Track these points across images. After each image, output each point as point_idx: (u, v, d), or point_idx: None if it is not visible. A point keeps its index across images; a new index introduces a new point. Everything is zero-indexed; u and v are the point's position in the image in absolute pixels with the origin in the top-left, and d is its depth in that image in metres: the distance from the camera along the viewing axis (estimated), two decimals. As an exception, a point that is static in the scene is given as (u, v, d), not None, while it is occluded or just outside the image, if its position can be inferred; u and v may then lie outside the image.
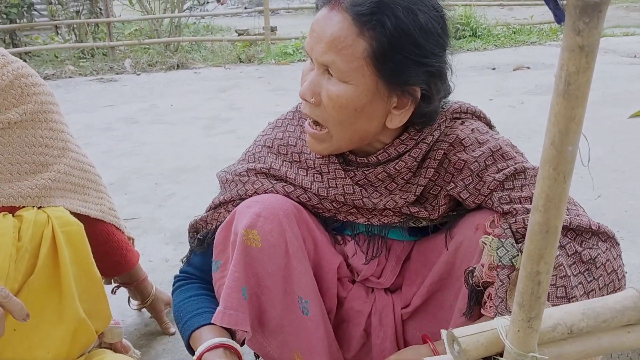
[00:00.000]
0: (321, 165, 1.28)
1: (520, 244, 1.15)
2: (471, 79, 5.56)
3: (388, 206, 1.25)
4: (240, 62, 7.55)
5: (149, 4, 8.58)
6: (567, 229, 1.16)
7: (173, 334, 1.83)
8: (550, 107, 0.68)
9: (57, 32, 8.73)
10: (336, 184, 1.26)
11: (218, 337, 1.27)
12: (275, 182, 1.31)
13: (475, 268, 1.17)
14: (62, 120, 1.42)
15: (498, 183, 1.19)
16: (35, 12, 8.38)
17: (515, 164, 1.21)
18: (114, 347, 1.53)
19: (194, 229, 1.44)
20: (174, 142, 4.10)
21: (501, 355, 0.84)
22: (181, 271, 1.47)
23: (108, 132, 4.45)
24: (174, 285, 1.47)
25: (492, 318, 1.07)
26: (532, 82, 5.45)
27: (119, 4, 9.18)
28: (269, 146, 1.36)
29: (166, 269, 2.34)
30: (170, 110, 5.09)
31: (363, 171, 1.25)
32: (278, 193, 1.29)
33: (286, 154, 1.33)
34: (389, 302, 1.35)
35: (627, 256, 2.22)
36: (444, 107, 1.25)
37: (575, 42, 0.63)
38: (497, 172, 1.20)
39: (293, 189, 1.29)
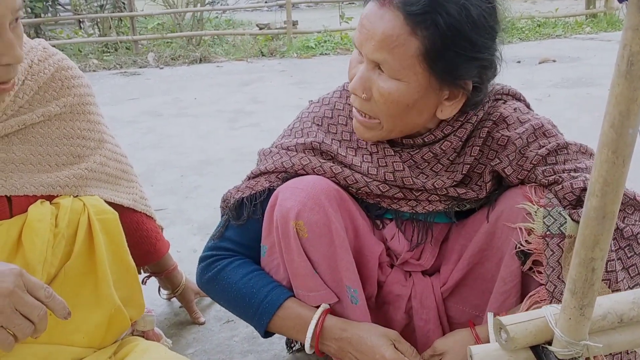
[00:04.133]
0: (371, 146, 1.29)
1: (567, 211, 1.15)
2: (496, 72, 5.51)
3: (436, 186, 1.25)
4: (262, 55, 7.55)
5: (172, -1, 8.64)
6: None
7: (203, 323, 1.83)
8: (610, 89, 0.66)
9: (81, 27, 8.81)
10: (386, 162, 1.26)
11: (320, 303, 1.26)
12: (324, 161, 1.29)
13: (521, 251, 1.17)
14: (98, 111, 1.44)
15: (541, 158, 1.20)
16: (59, 7, 8.45)
17: (557, 140, 1.22)
18: (146, 335, 1.54)
19: (225, 201, 1.39)
20: (199, 135, 4.11)
21: (550, 343, 0.83)
22: (215, 247, 1.37)
23: (133, 125, 4.48)
24: (212, 262, 1.36)
25: (544, 286, 1.10)
26: (558, 75, 5.38)
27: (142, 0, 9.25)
28: (317, 124, 1.34)
29: (194, 260, 2.30)
30: (194, 104, 5.10)
31: (409, 152, 1.26)
32: (325, 173, 1.27)
33: (336, 133, 1.32)
34: (427, 284, 1.36)
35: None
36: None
37: (639, 21, 0.62)
38: (539, 148, 1.20)
39: (340, 170, 1.28)
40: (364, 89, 1.16)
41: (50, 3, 8.05)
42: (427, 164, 1.26)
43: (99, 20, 8.19)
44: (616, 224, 1.12)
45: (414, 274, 1.37)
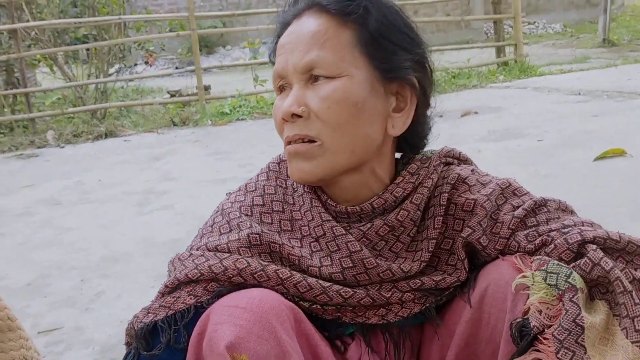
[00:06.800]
0: (315, 229, 1.06)
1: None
2: (420, 128, 5.31)
3: (404, 269, 1.04)
4: (174, 125, 7.08)
5: (71, 70, 8.05)
6: (618, 250, 0.97)
7: None
8: None
9: (-26, 106, 8.12)
10: (337, 245, 1.04)
11: None
12: (266, 263, 1.01)
13: (524, 320, 0.92)
14: None
15: (519, 220, 1.03)
16: (-54, 87, 7.76)
17: (532, 197, 1.07)
18: None
19: (129, 331, 1.00)
20: (103, 225, 3.61)
21: None
22: None
23: (26, 217, 3.93)
24: None
25: (556, 355, 0.88)
26: (484, 127, 5.22)
27: (40, 72, 8.65)
28: (247, 214, 1.08)
29: None
30: (98, 187, 4.59)
31: (359, 228, 1.05)
32: (270, 279, 0.99)
33: (272, 223, 1.08)
34: None
35: None
36: (433, 152, 1.15)
37: None
38: (513, 210, 1.05)
39: (289, 274, 1.00)
40: (300, 104, 1.01)
41: None
42: (384, 242, 1.06)
43: (-9, 99, 7.53)
44: (632, 274, 0.95)
45: None
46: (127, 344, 1.01)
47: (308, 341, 0.98)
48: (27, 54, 7.38)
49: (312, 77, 1.02)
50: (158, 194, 4.23)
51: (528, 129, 4.94)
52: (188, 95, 8.38)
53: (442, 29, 14.01)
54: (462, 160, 1.17)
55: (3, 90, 7.52)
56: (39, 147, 6.44)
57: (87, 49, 8.00)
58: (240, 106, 7.51)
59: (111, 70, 8.21)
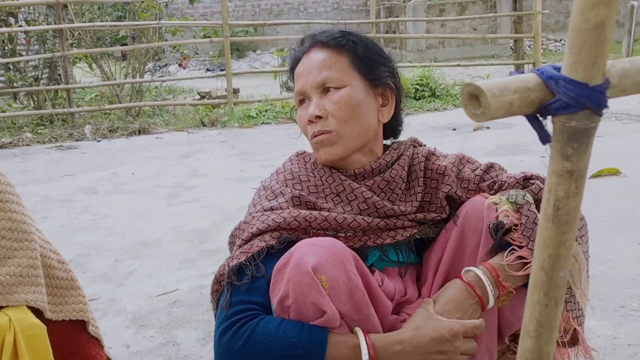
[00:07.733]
0: (336, 187, 1.48)
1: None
2: (434, 140, 5.61)
3: (402, 210, 1.46)
4: (203, 125, 7.48)
5: (109, 68, 8.52)
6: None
7: None
8: (538, 231, 0.64)
9: (16, 98, 8.60)
10: (355, 194, 1.46)
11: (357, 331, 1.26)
12: (311, 209, 1.41)
13: (500, 222, 1.34)
14: (23, 211, 1.35)
15: (480, 177, 1.49)
16: (-8, 79, 8.26)
17: (481, 163, 1.54)
18: None
19: (219, 277, 1.34)
20: (136, 214, 4.00)
21: None
22: (229, 315, 1.26)
23: (67, 204, 4.33)
24: (236, 330, 1.24)
25: (525, 246, 1.33)
26: (492, 142, 5.52)
27: (77, 67, 9.09)
28: (284, 185, 1.48)
29: (127, 357, 2.22)
30: (132, 179, 4.98)
31: (365, 184, 1.48)
32: (317, 219, 1.38)
33: (302, 190, 1.47)
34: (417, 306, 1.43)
35: (601, 326, 2.19)
36: (404, 140, 1.60)
37: (563, 167, 0.60)
38: (473, 171, 1.51)
39: (328, 212, 1.41)
40: (320, 109, 1.44)
41: (-18, 76, 7.85)
42: (384, 194, 1.48)
43: (33, 92, 8.00)
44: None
45: (404, 310, 1.44)
46: (216, 291, 1.37)
47: (362, 273, 1.30)
48: (71, 52, 7.85)
49: (324, 89, 1.46)
50: (187, 188, 4.61)
51: (534, 145, 5.21)
52: (217, 97, 8.77)
53: (467, 43, 14.29)
54: (423, 145, 1.62)
55: (46, 85, 7.98)
56: (77, 140, 6.87)
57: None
58: (266, 110, 7.86)
59: (145, 68, 8.61)
